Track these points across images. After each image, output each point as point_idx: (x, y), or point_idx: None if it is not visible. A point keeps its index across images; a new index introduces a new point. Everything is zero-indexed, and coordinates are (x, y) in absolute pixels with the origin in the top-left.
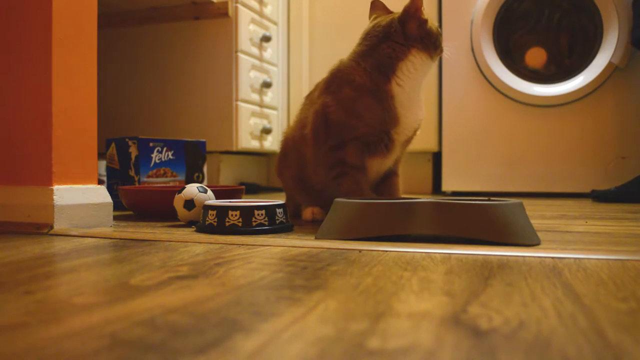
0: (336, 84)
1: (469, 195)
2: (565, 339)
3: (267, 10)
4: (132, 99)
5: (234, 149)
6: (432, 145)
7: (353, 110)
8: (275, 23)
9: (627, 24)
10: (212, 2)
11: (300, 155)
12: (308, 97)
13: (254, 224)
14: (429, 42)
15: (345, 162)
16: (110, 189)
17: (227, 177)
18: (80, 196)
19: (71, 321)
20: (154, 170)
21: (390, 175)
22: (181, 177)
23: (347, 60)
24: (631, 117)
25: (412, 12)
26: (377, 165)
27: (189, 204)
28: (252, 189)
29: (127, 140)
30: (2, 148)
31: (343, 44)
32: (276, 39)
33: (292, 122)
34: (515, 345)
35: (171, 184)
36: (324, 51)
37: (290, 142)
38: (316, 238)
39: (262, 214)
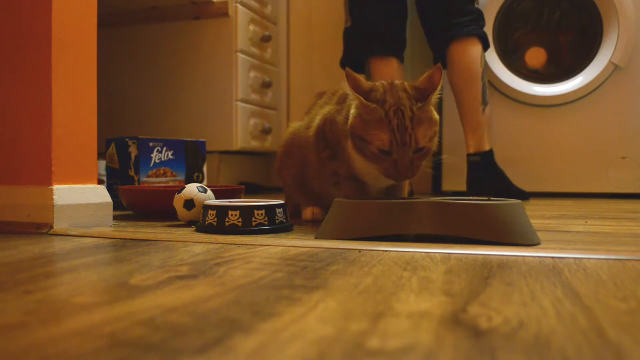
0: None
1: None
2: (565, 339)
3: (267, 10)
4: (132, 99)
5: (234, 149)
6: None
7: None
8: (275, 23)
9: (628, 24)
10: (212, 2)
11: (304, 157)
12: (321, 95)
13: (254, 224)
14: None
15: (339, 174)
16: (110, 189)
17: (227, 177)
18: (80, 196)
19: (71, 321)
20: (154, 170)
21: None
22: (181, 177)
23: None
24: (631, 117)
25: None
26: (374, 179)
27: (189, 204)
28: (252, 189)
29: (127, 140)
30: (2, 148)
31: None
32: (276, 39)
33: (301, 121)
34: (515, 345)
35: (171, 184)
36: (324, 51)
37: (296, 142)
38: (316, 238)
39: (262, 214)
